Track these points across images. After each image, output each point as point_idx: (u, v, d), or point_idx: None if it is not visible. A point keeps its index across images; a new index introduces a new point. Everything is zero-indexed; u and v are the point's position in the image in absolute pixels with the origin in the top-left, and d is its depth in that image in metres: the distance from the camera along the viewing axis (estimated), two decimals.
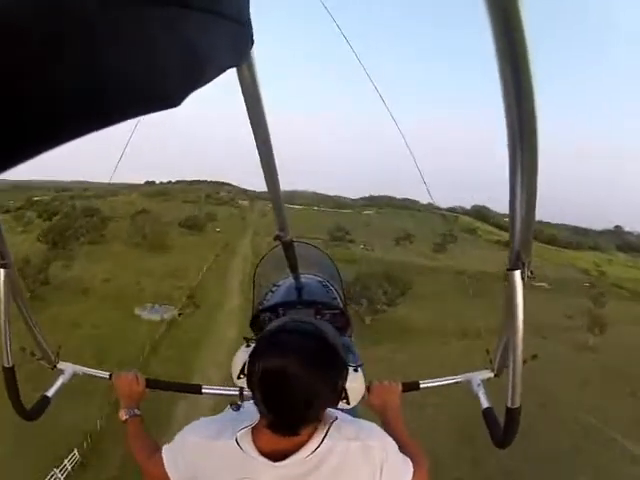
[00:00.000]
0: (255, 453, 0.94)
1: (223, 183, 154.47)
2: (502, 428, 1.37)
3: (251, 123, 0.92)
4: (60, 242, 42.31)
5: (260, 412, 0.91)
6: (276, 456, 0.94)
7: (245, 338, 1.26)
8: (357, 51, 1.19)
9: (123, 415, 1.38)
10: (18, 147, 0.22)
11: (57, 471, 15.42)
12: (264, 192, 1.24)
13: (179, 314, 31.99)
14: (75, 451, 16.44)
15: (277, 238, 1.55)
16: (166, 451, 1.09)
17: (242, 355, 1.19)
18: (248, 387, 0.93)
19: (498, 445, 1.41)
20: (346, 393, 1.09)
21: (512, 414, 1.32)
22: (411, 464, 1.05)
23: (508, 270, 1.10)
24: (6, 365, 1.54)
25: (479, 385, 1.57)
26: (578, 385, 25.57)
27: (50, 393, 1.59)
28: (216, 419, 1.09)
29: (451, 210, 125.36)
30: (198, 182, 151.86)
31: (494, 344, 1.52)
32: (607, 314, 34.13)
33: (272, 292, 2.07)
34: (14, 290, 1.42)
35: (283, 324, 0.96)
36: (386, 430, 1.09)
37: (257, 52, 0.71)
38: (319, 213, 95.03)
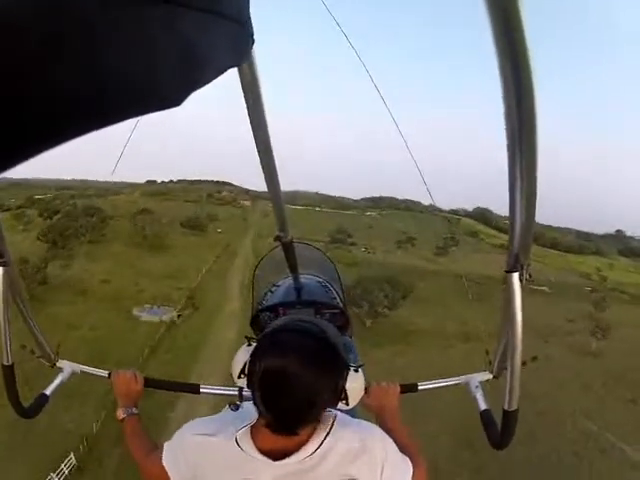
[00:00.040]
0: (255, 452, 0.94)
1: (225, 183, 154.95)
2: (499, 430, 1.36)
3: (251, 122, 0.92)
4: (60, 241, 42.36)
5: (259, 412, 0.91)
6: (276, 455, 0.94)
7: (246, 337, 1.25)
8: (357, 50, 1.19)
9: (121, 414, 1.37)
10: (18, 147, 0.22)
11: (54, 475, 15.41)
12: (266, 192, 1.23)
13: (178, 315, 31.93)
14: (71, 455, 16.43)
15: (277, 239, 1.55)
16: (166, 449, 1.08)
17: (243, 354, 1.18)
18: (248, 386, 0.93)
19: (495, 447, 1.40)
20: (346, 393, 1.08)
21: (509, 416, 1.31)
22: (410, 464, 1.05)
23: (507, 272, 1.10)
24: (5, 363, 1.54)
25: (477, 387, 1.56)
26: (579, 390, 25.47)
27: (49, 391, 1.58)
28: (215, 418, 1.09)
29: (453, 212, 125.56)
30: (200, 182, 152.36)
31: (494, 346, 1.51)
32: (609, 319, 34.02)
33: (272, 292, 2.07)
34: (13, 288, 1.42)
35: (284, 323, 0.96)
36: (384, 431, 1.09)
37: (258, 51, 0.71)
38: (321, 214, 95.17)
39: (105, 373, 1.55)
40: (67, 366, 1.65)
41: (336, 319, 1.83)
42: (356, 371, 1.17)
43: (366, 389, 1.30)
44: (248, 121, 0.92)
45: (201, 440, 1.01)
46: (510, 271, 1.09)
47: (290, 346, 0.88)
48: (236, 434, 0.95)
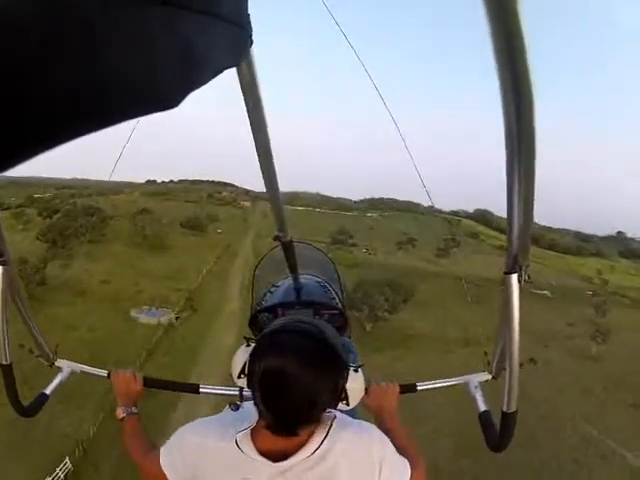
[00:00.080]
0: (254, 454, 0.94)
1: (225, 183, 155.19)
2: (498, 432, 1.35)
3: (250, 123, 0.92)
4: (60, 241, 42.10)
5: (259, 412, 0.91)
6: (276, 456, 0.94)
7: (245, 338, 1.25)
8: (357, 51, 1.19)
9: (120, 413, 1.37)
10: (18, 147, 0.22)
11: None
12: (266, 193, 1.23)
13: (176, 317, 31.76)
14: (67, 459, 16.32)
15: (276, 239, 1.55)
16: (164, 450, 1.08)
17: (242, 355, 1.18)
18: (248, 387, 0.93)
19: (493, 449, 1.39)
20: (346, 394, 1.08)
21: (508, 418, 1.30)
22: (409, 465, 1.05)
23: (505, 273, 1.10)
24: (4, 362, 1.54)
25: (476, 387, 1.55)
26: (579, 394, 25.37)
27: (48, 390, 1.59)
28: (215, 419, 1.09)
29: (454, 213, 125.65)
30: (200, 182, 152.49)
31: (492, 346, 1.51)
32: (610, 322, 33.91)
33: (271, 292, 2.08)
34: (12, 287, 1.42)
35: (283, 324, 0.96)
36: (383, 431, 1.09)
37: (258, 52, 0.71)
38: (321, 215, 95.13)
39: (104, 373, 1.56)
40: (66, 365, 1.65)
41: (335, 320, 1.83)
42: (356, 371, 1.16)
43: (366, 389, 1.29)
44: (248, 122, 0.92)
45: (200, 441, 1.01)
46: (509, 272, 1.09)
47: (289, 347, 0.88)
48: (236, 436, 0.95)
